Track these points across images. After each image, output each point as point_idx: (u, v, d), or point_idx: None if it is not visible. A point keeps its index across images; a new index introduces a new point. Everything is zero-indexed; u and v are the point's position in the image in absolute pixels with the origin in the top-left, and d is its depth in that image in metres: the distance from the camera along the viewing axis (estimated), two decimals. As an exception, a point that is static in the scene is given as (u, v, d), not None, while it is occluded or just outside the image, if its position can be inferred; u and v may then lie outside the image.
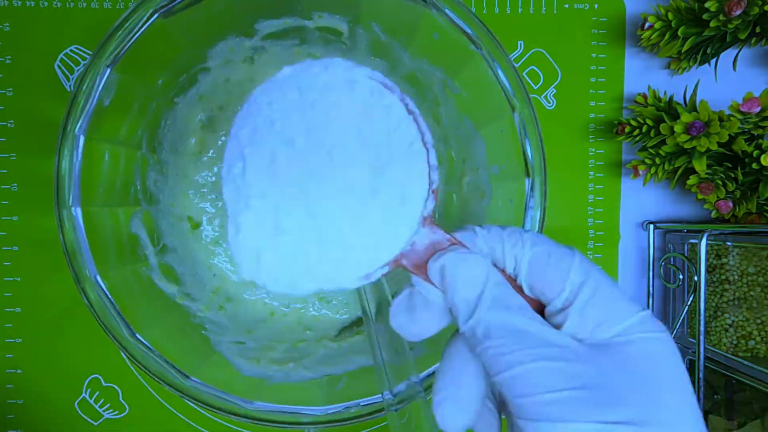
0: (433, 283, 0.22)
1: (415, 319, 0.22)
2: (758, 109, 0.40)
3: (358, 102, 0.23)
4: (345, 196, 0.23)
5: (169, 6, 0.31)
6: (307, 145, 0.23)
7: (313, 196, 0.23)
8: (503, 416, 0.23)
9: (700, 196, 0.43)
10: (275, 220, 0.23)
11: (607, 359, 0.19)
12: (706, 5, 0.39)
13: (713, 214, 0.44)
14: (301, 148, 0.23)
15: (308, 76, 0.23)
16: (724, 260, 0.44)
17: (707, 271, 0.44)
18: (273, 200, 0.23)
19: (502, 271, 0.22)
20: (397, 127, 0.23)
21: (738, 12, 0.38)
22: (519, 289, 0.22)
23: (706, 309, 0.42)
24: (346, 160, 0.23)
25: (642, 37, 0.43)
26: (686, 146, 0.41)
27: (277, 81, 0.23)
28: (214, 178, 0.43)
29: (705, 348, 0.42)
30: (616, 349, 0.20)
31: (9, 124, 0.44)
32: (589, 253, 0.47)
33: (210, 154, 0.43)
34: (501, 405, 0.24)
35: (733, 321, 0.44)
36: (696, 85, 0.43)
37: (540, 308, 0.22)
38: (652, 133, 0.43)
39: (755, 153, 0.41)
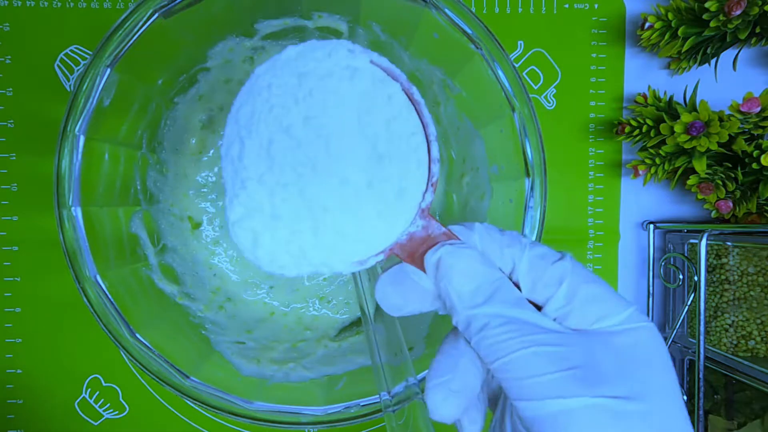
0: (425, 272, 0.23)
1: (399, 295, 0.23)
2: (758, 109, 0.40)
3: (358, 90, 0.23)
4: (341, 187, 0.23)
5: (169, 6, 0.31)
6: (304, 134, 0.22)
7: (309, 185, 0.22)
8: (489, 411, 0.25)
9: (700, 196, 0.43)
10: (271, 205, 0.23)
11: (598, 345, 0.21)
12: (706, 5, 0.39)
13: (713, 214, 0.44)
14: (298, 136, 0.22)
15: (310, 60, 0.23)
16: (724, 260, 0.44)
17: (707, 271, 0.44)
18: (269, 186, 0.22)
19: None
20: (398, 116, 0.23)
21: (738, 12, 0.38)
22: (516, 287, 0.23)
23: (706, 309, 0.42)
24: (344, 150, 0.22)
25: (642, 37, 0.43)
26: (686, 146, 0.41)
27: (279, 61, 0.23)
28: (214, 178, 0.43)
29: (705, 348, 0.42)
30: (607, 337, 0.21)
31: (9, 124, 0.45)
32: (589, 253, 0.47)
33: (210, 154, 0.43)
34: (491, 400, 0.25)
35: (733, 321, 0.43)
36: (696, 85, 0.43)
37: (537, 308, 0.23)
38: (652, 133, 0.43)
39: (755, 153, 0.41)
